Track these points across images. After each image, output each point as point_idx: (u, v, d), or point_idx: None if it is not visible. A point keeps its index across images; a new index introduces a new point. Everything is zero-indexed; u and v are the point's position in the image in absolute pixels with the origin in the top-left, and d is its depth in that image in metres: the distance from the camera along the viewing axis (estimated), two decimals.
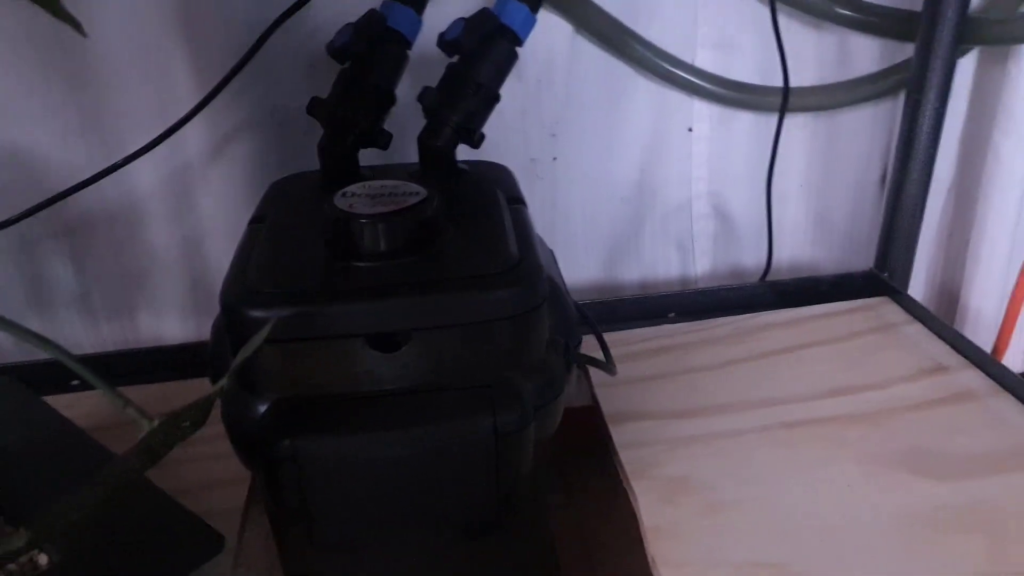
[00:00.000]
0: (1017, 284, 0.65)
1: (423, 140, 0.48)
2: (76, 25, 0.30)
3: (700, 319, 0.62)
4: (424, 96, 0.48)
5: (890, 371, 0.54)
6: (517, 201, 0.46)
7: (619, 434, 0.49)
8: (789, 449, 0.47)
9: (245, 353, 0.30)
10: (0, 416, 0.43)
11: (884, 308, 0.62)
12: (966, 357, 0.55)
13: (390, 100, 0.50)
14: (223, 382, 0.30)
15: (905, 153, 0.62)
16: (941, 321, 0.58)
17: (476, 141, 0.49)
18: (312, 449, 0.35)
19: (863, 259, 0.71)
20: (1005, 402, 0.50)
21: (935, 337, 0.58)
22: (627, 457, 0.47)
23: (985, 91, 0.65)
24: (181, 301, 0.65)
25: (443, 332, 0.36)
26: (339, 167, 0.48)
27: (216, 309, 0.66)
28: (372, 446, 0.36)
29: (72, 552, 0.34)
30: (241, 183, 0.61)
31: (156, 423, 0.27)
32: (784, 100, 0.61)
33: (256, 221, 0.43)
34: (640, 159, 0.67)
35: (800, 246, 0.72)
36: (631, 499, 0.45)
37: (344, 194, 0.39)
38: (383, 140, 0.50)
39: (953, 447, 0.47)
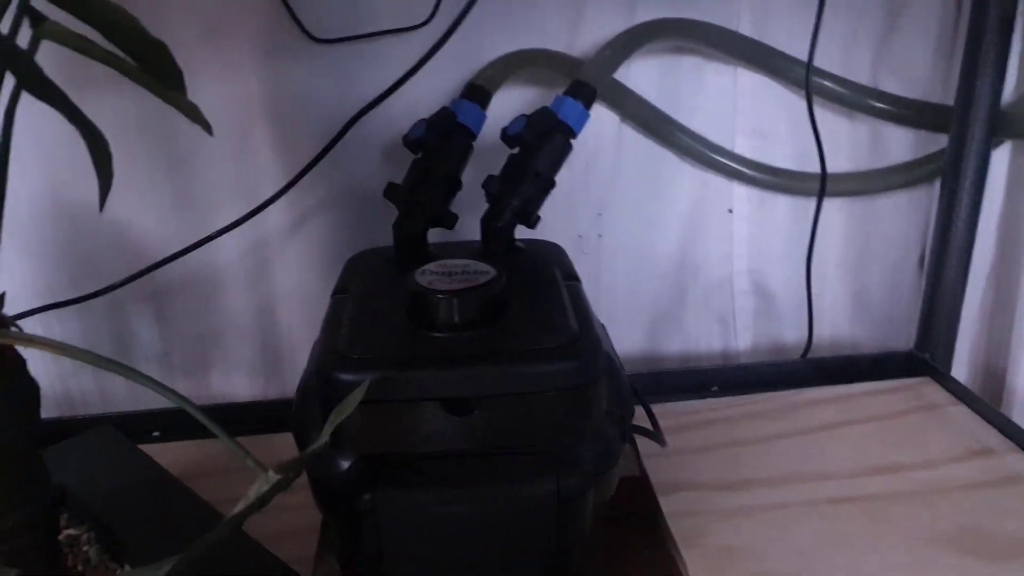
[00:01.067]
0: None
1: (486, 221, 0.53)
2: (206, 126, 0.35)
3: (742, 393, 0.64)
4: (489, 183, 0.53)
5: (935, 451, 0.55)
6: (572, 278, 0.50)
7: (668, 503, 0.51)
8: (835, 524, 0.49)
9: (344, 412, 0.34)
10: (104, 461, 0.47)
11: (926, 388, 0.64)
12: (1013, 440, 0.56)
13: (457, 186, 0.55)
14: (324, 438, 0.33)
15: (942, 239, 0.65)
16: (986, 403, 0.60)
17: (532, 223, 0.54)
18: (390, 503, 0.38)
19: (902, 339, 0.73)
20: None
21: (980, 419, 0.59)
22: (676, 526, 0.49)
23: (1021, 178, 0.67)
24: (251, 362, 0.69)
25: (510, 399, 0.39)
26: (410, 244, 0.53)
27: (285, 370, 0.70)
28: (444, 503, 0.39)
29: None
30: (314, 257, 0.66)
31: (272, 474, 0.31)
32: (822, 186, 0.65)
33: (339, 292, 0.48)
34: (682, 237, 0.71)
35: (840, 324, 0.74)
36: (680, 567, 0.47)
37: (423, 272, 0.43)
38: (450, 221, 0.54)
39: (1002, 530, 0.48)
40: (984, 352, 0.73)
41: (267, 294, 0.67)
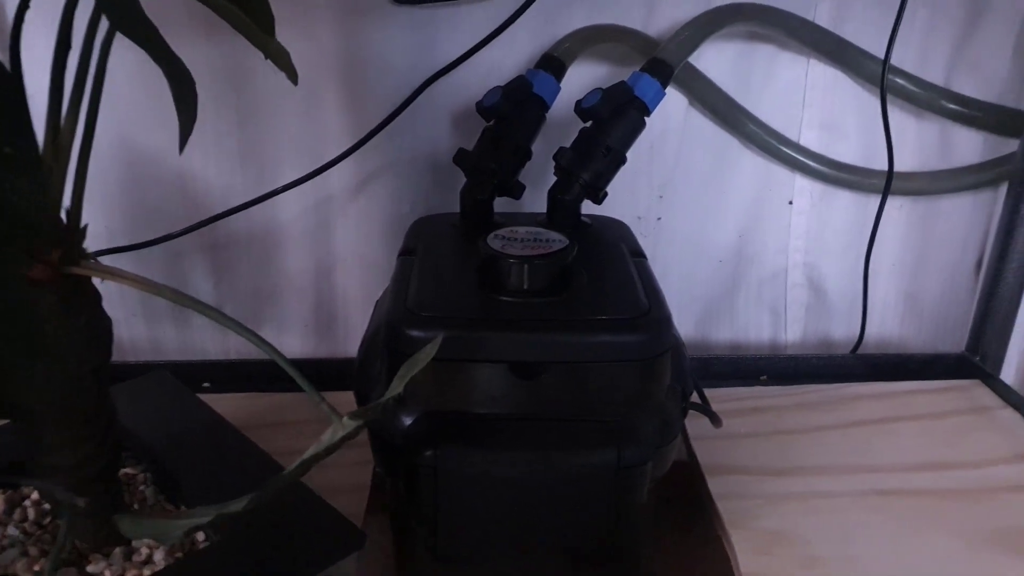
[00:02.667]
0: None
1: (554, 194, 0.53)
2: (293, 74, 0.36)
3: (791, 384, 0.64)
4: (560, 155, 0.53)
5: (985, 452, 0.55)
6: (639, 255, 0.50)
7: (716, 485, 0.52)
8: (883, 515, 0.49)
9: (416, 366, 0.34)
10: (161, 405, 0.48)
11: (976, 391, 0.63)
12: None
13: (527, 156, 0.55)
14: (396, 390, 0.34)
15: (1005, 242, 0.64)
16: None
17: (600, 198, 0.54)
18: (451, 460, 0.39)
19: (952, 342, 0.72)
20: None
21: None
22: (724, 507, 0.50)
23: None
24: (304, 321, 0.70)
25: (577, 367, 0.40)
26: (477, 211, 0.53)
27: (338, 331, 0.71)
28: (505, 464, 0.40)
29: (227, 534, 0.38)
30: (376, 220, 0.66)
31: (347, 420, 0.31)
32: (887, 184, 0.64)
33: (406, 253, 0.48)
34: (740, 226, 0.70)
35: (889, 324, 0.74)
36: (727, 548, 0.48)
37: (495, 236, 0.44)
38: (517, 191, 0.55)
39: None
40: None
41: (325, 254, 0.68)
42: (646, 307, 0.42)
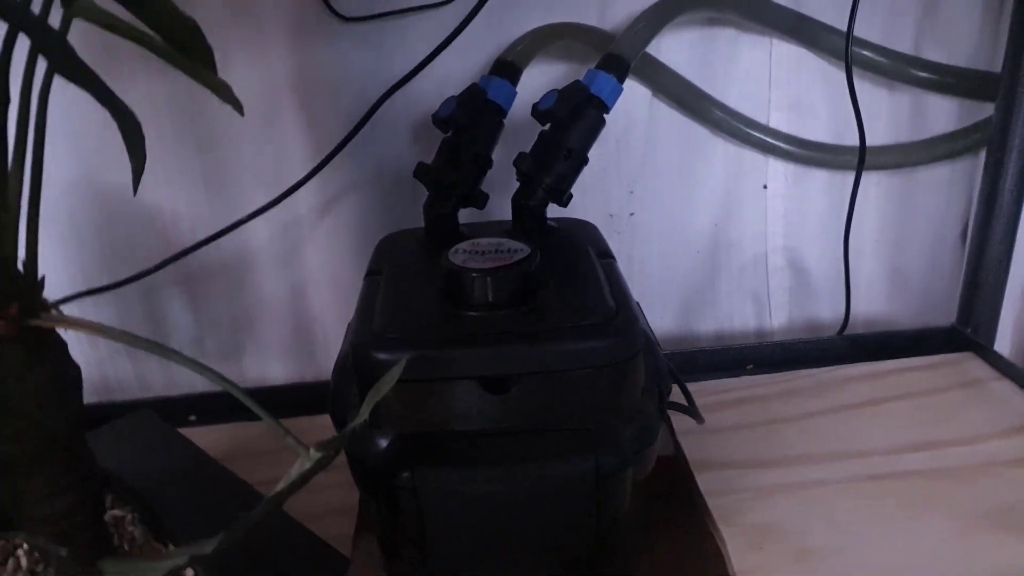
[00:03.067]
0: None
1: (517, 200, 0.52)
2: (238, 106, 0.35)
3: (778, 371, 0.63)
4: (520, 161, 0.52)
5: (977, 428, 0.54)
6: (607, 255, 0.49)
7: (704, 482, 0.51)
8: (876, 501, 0.48)
9: (382, 390, 0.34)
10: (145, 444, 0.48)
11: (969, 364, 0.62)
12: None
13: (487, 164, 0.54)
14: (363, 416, 0.33)
15: (987, 211, 0.63)
16: None
17: (565, 201, 0.53)
18: (429, 480, 0.38)
19: (941, 315, 0.71)
20: None
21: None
22: (714, 504, 0.49)
23: None
24: (284, 345, 0.70)
25: (548, 377, 0.39)
26: (441, 225, 0.53)
27: (318, 353, 0.71)
28: (482, 480, 0.39)
29: (213, 569, 0.37)
30: (345, 239, 0.66)
31: (313, 452, 0.31)
32: (860, 159, 0.63)
33: (372, 274, 0.48)
34: (715, 215, 0.69)
35: (876, 301, 0.73)
36: (719, 545, 0.47)
37: (456, 251, 0.43)
38: (481, 201, 0.54)
39: None
40: None
41: (299, 277, 0.67)
42: (613, 311, 0.41)
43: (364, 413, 0.33)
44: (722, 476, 0.51)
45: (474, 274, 0.40)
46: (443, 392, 0.39)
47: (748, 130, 0.66)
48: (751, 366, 0.66)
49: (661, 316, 0.72)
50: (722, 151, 0.67)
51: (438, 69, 0.58)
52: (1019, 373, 0.59)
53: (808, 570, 0.43)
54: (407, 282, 0.46)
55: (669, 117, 0.66)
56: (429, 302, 0.42)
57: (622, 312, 0.41)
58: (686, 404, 0.48)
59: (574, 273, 0.46)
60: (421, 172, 0.53)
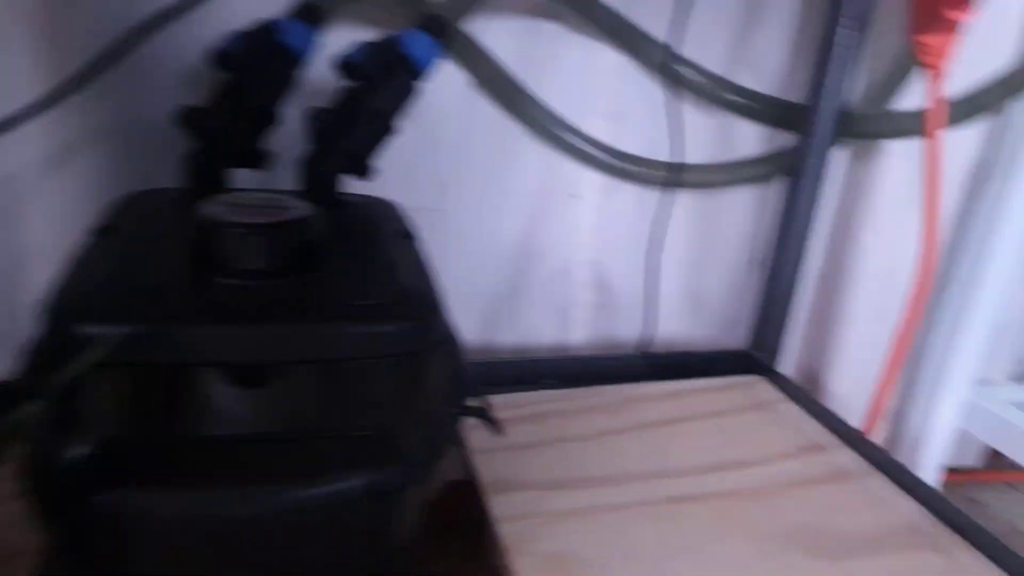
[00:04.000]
0: (886, 371, 0.68)
1: (308, 163, 0.44)
2: None
3: (577, 386, 0.60)
4: (317, 117, 0.44)
5: (769, 448, 0.54)
6: (407, 235, 0.42)
7: (498, 506, 0.45)
8: (675, 525, 0.45)
9: (73, 371, 0.24)
10: None
11: (759, 386, 0.63)
12: (840, 437, 0.55)
13: (271, 119, 0.45)
14: (34, 406, 0.23)
15: (782, 238, 0.64)
16: (816, 401, 0.60)
17: (365, 171, 0.45)
18: (145, 504, 0.29)
19: (736, 338, 0.72)
20: (879, 480, 0.51)
21: (809, 416, 0.58)
22: (506, 531, 0.43)
23: (854, 185, 0.69)
24: (3, 333, 0.54)
25: (318, 368, 0.31)
26: (205, 183, 0.43)
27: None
28: (222, 503, 0.30)
29: None
30: (81, 201, 0.53)
31: None
32: (669, 174, 0.62)
33: (102, 232, 0.36)
34: (525, 221, 0.65)
35: (675, 322, 0.72)
36: None
37: (217, 201, 0.34)
38: (259, 161, 0.45)
39: (836, 525, 0.46)
40: (808, 353, 0.74)
41: (15, 248, 0.53)
42: (410, 291, 0.34)
43: (44, 398, 0.23)
44: (518, 499, 0.46)
45: (233, 229, 0.31)
46: (173, 383, 0.29)
47: (563, 134, 0.63)
48: (550, 380, 0.62)
49: (461, 324, 0.66)
50: (536, 154, 0.63)
51: (225, 6, 0.48)
52: (804, 396, 0.60)
53: None
54: (147, 243, 0.35)
55: (487, 111, 0.61)
56: (172, 266, 0.32)
57: (420, 294, 0.34)
58: (482, 409, 0.42)
59: (365, 249, 0.38)
60: (187, 116, 0.43)
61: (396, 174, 0.58)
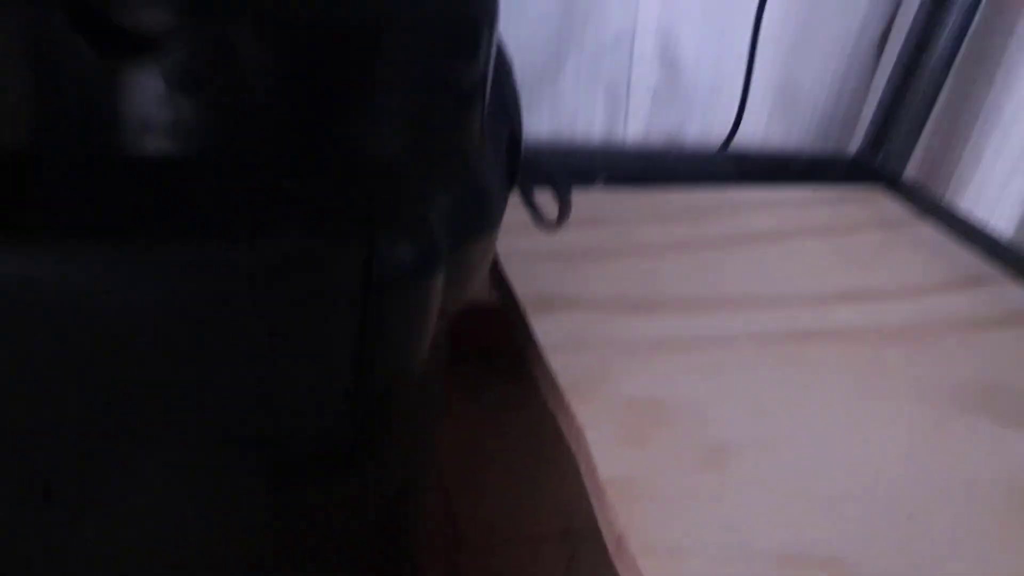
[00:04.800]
0: None
1: None
2: None
3: (638, 187, 0.45)
4: None
5: (909, 277, 0.40)
6: None
7: (544, 330, 0.31)
8: (801, 370, 0.31)
9: None
10: None
11: (880, 199, 0.48)
12: (1008, 266, 0.41)
13: None
14: None
15: (933, 10, 0.47)
16: (964, 219, 0.45)
17: None
18: None
19: (840, 141, 0.57)
20: None
21: (955, 237, 0.44)
22: (560, 365, 0.29)
23: None
24: None
25: (249, 22, 0.15)
26: None
27: None
28: (86, 267, 0.15)
29: None
30: None
31: None
32: None
33: None
34: None
35: (764, 119, 0.57)
36: (565, 430, 0.27)
37: None
38: None
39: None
40: (931, 166, 0.59)
41: None
42: None
43: None
44: (572, 321, 0.32)
45: None
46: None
47: None
48: (604, 176, 0.47)
49: None
50: None
51: None
52: (945, 212, 0.45)
53: (715, 481, 0.25)
54: None
55: None
56: None
57: None
58: (553, 173, 0.27)
59: None
60: None
61: None
